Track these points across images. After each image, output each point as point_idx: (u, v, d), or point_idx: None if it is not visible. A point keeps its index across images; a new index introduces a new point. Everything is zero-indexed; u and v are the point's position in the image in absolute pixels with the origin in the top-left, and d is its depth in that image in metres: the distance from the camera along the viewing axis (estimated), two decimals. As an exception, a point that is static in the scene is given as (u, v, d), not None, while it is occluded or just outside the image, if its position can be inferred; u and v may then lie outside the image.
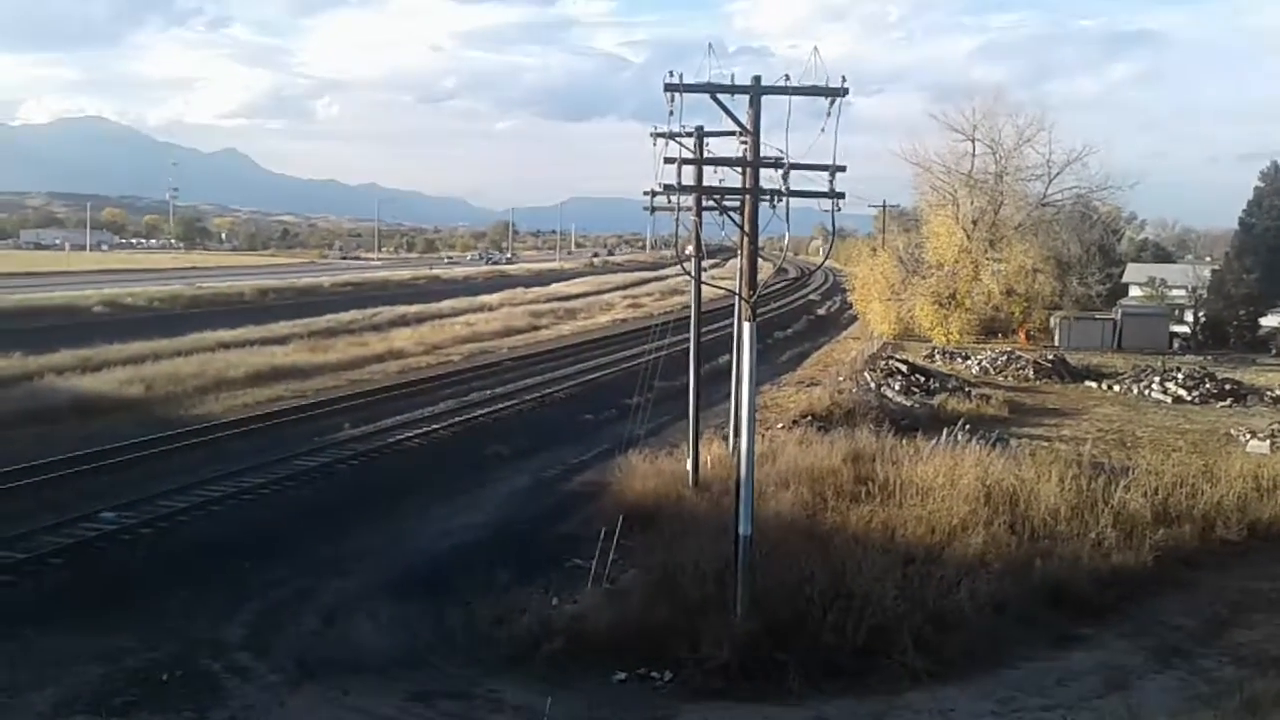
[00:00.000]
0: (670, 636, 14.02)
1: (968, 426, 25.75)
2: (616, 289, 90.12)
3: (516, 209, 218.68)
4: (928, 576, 15.47)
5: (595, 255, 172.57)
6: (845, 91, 13.80)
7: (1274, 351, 53.22)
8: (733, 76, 14.30)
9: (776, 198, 14.38)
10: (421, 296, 72.46)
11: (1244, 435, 28.93)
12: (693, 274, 21.31)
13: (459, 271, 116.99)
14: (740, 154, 15.07)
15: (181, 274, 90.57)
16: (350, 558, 18.83)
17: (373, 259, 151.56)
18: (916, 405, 31.89)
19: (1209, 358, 48.50)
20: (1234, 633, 15.90)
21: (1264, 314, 56.91)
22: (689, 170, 17.41)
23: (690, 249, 21.47)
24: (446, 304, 66.65)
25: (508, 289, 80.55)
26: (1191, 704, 12.65)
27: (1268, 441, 27.52)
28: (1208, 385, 37.94)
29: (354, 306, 62.10)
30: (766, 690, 13.18)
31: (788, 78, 14.04)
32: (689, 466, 22.00)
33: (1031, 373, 41.68)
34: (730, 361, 22.35)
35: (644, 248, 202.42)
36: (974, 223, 56.04)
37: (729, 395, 23.35)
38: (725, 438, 24.35)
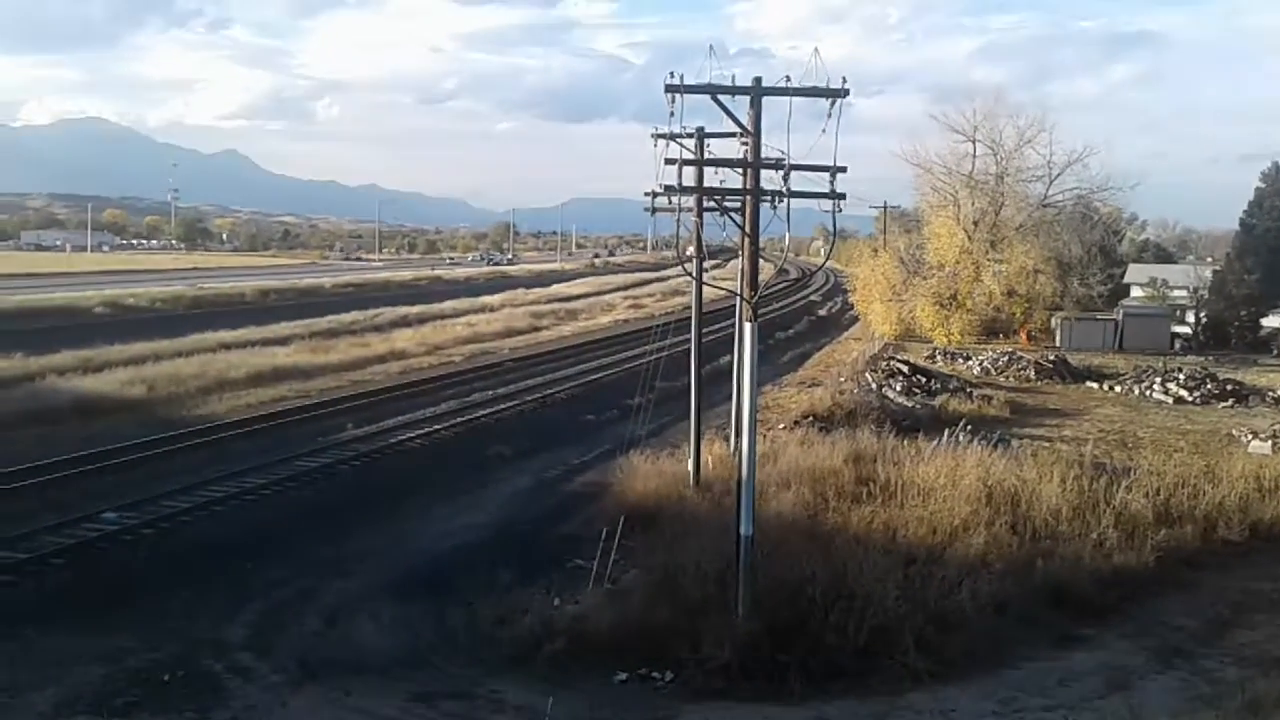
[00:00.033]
0: (671, 637, 14.03)
1: (969, 427, 25.74)
2: (617, 290, 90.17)
3: (517, 210, 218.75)
4: (929, 577, 15.47)
5: (596, 256, 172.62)
6: (846, 93, 13.82)
7: (1275, 352, 53.19)
8: (734, 78, 14.33)
9: (777, 199, 14.39)
10: (423, 297, 72.56)
11: (1245, 436, 28.90)
12: (694, 275, 21.31)
13: (460, 272, 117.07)
14: (741, 155, 15.09)
15: (183, 275, 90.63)
16: (352, 558, 18.85)
17: (374, 260, 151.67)
18: (918, 406, 31.89)
19: (1210, 358, 48.48)
20: (1236, 633, 15.88)
21: (1265, 314, 56.88)
22: (690, 171, 17.40)
23: (691, 250, 21.48)
24: (448, 305, 66.73)
25: (509, 290, 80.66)
26: (1193, 704, 12.64)
27: (1269, 442, 27.48)
28: (1209, 386, 37.91)
29: (355, 307, 62.18)
30: (768, 691, 13.18)
31: (788, 79, 14.06)
32: (690, 467, 22.00)
33: (1033, 373, 41.67)
34: (731, 362, 22.36)
35: (645, 248, 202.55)
36: (975, 224, 56.03)
37: (730, 396, 23.36)
38: (726, 438, 24.35)
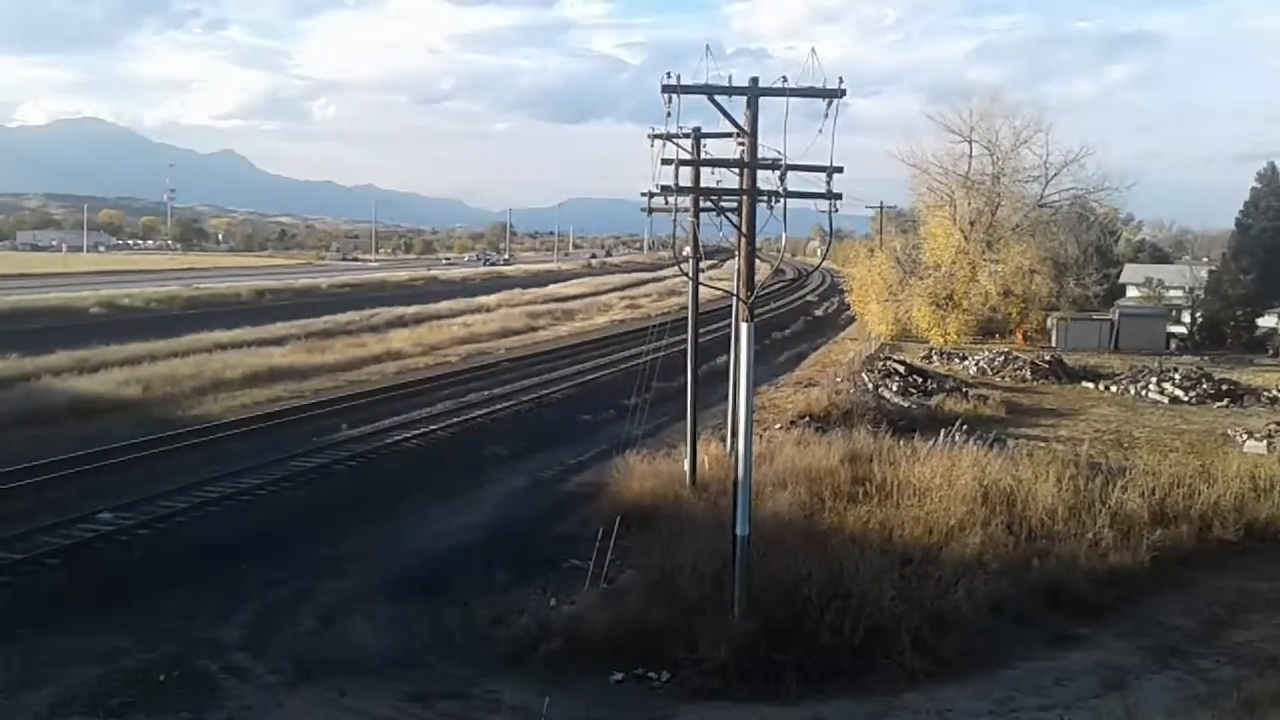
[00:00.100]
0: (668, 637, 14.04)
1: (965, 427, 25.76)
2: (614, 290, 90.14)
3: (514, 210, 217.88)
4: (925, 577, 15.48)
5: (593, 256, 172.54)
6: (842, 93, 13.83)
7: (1270, 352, 53.34)
8: (730, 78, 14.32)
9: (774, 199, 14.41)
10: (419, 297, 72.50)
11: (1241, 435, 28.97)
12: (690, 275, 21.33)
13: (456, 273, 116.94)
14: (738, 155, 15.08)
15: (178, 275, 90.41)
16: (348, 558, 18.83)
17: (370, 260, 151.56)
18: (914, 406, 31.93)
19: (1206, 358, 48.61)
20: (1231, 633, 15.92)
21: (1261, 314, 57.07)
22: (686, 171, 17.38)
23: (688, 250, 21.48)
24: (444, 305, 66.65)
25: (505, 290, 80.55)
26: (1189, 704, 12.66)
27: (1264, 441, 27.55)
28: (1204, 386, 38.00)
29: (352, 307, 62.08)
30: (764, 691, 13.18)
31: (785, 79, 14.06)
32: (686, 467, 22.00)
33: (1029, 373, 41.74)
34: (728, 362, 22.39)
35: (642, 249, 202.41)
36: (971, 224, 56.12)
37: (726, 396, 23.38)
38: (723, 438, 24.37)
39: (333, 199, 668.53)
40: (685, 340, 23.52)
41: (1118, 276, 68.75)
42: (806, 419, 27.69)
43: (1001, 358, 44.02)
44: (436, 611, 16.26)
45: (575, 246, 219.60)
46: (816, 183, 14.18)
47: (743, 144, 14.78)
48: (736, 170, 15.27)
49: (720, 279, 41.93)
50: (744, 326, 14.97)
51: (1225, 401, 36.62)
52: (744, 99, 14.44)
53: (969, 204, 56.44)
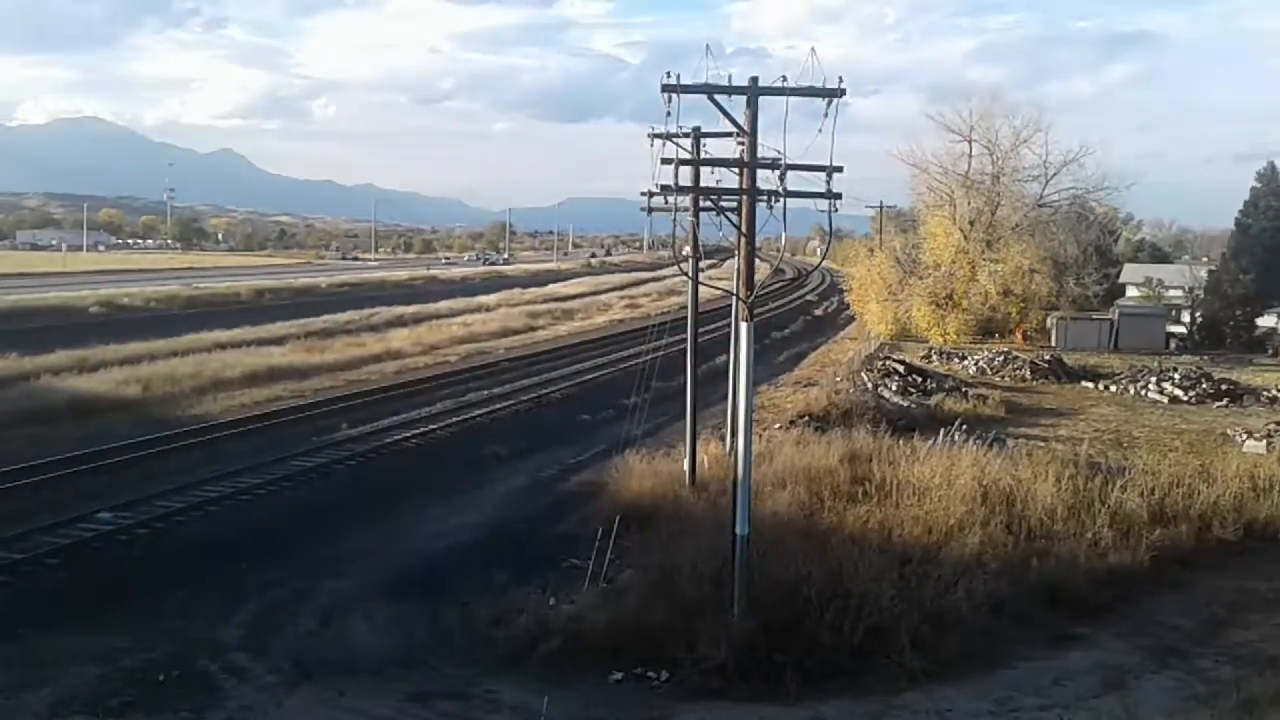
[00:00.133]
0: (667, 636, 14.04)
1: (964, 427, 25.75)
2: (614, 289, 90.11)
3: (514, 209, 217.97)
4: (925, 576, 15.48)
5: (593, 256, 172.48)
6: (842, 92, 13.82)
7: (1270, 351, 53.34)
8: (730, 77, 14.33)
9: (773, 198, 14.41)
10: (419, 297, 72.46)
11: (1240, 435, 28.98)
12: (690, 274, 21.33)
13: (456, 272, 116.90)
14: (737, 155, 15.08)
15: (178, 274, 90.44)
16: (347, 558, 18.82)
17: (370, 260, 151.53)
18: (913, 405, 31.93)
19: (1205, 358, 48.59)
20: (1231, 632, 15.93)
21: (1260, 314, 57.07)
22: (686, 171, 17.37)
23: (688, 250, 21.48)
24: (444, 304, 66.62)
25: (505, 289, 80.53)
26: (1188, 704, 12.66)
27: (1264, 441, 27.56)
28: (1204, 385, 38.00)
29: (351, 307, 62.07)
30: (764, 690, 13.18)
31: (785, 79, 14.06)
32: (686, 466, 22.00)
33: (1028, 373, 41.73)
34: (727, 362, 22.38)
35: (641, 248, 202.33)
36: (971, 223, 56.11)
37: (726, 395, 23.38)
38: (722, 438, 24.37)
39: (332, 198, 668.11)
40: (685, 340, 23.51)
41: (1117, 276, 68.76)
42: (806, 419, 27.69)
43: (1001, 357, 44.01)
44: (436, 611, 16.26)
45: (575, 246, 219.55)
46: (816, 182, 14.19)
47: (742, 143, 14.78)
48: (736, 170, 15.26)
49: (720, 278, 41.95)
50: (743, 326, 14.97)
51: (1225, 401, 36.62)
52: (744, 98, 14.45)
53: (969, 203, 56.43)
